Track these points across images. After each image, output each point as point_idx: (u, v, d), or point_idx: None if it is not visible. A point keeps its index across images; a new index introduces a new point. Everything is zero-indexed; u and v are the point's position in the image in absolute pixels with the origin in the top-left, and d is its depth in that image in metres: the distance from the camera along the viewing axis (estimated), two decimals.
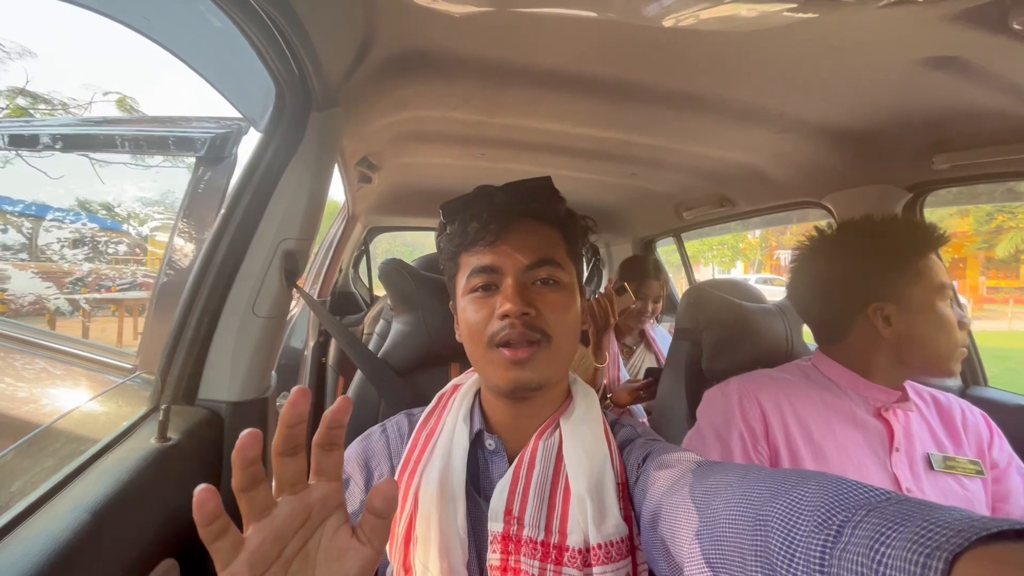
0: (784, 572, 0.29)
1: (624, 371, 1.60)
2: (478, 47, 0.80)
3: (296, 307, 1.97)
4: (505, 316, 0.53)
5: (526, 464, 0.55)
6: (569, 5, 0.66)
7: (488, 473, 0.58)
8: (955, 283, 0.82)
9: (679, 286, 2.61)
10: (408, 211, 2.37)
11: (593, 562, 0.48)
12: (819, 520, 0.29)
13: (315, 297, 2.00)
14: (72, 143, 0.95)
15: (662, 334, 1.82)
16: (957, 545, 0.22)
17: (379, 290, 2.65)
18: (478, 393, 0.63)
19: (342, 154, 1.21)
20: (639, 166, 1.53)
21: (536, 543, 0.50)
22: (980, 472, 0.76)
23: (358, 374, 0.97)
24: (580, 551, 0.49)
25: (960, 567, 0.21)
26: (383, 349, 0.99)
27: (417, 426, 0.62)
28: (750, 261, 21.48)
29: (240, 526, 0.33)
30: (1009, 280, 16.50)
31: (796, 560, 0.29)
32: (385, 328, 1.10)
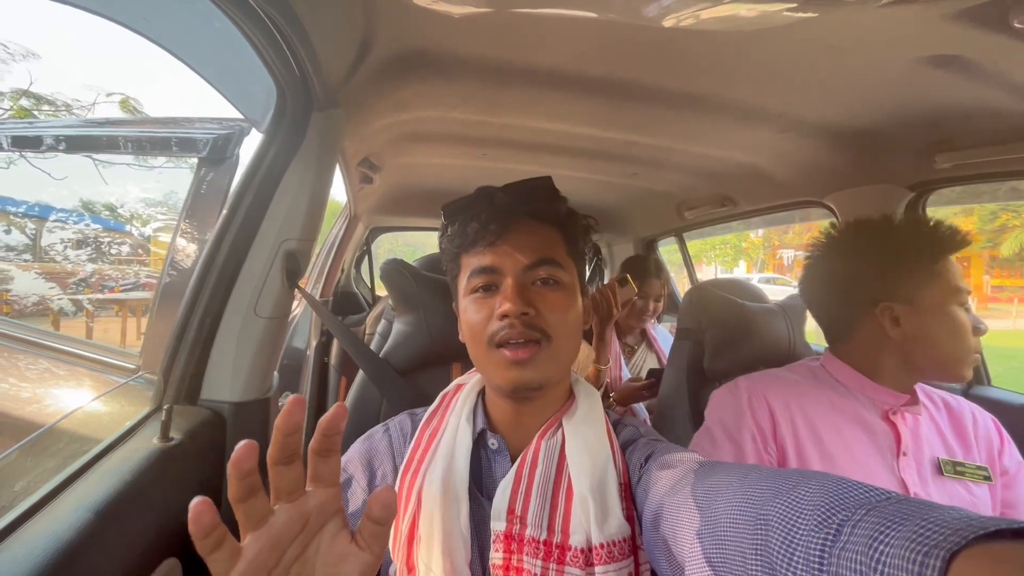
0: (784, 571, 0.29)
1: (626, 370, 1.60)
2: (478, 47, 0.80)
3: (298, 307, 1.97)
4: (504, 316, 0.53)
5: (529, 463, 0.55)
6: (569, 5, 0.66)
7: (491, 472, 0.58)
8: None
9: (681, 286, 2.61)
10: (409, 211, 2.37)
11: (595, 561, 0.48)
12: (819, 519, 0.30)
13: (317, 297, 2.01)
14: (75, 144, 0.95)
15: (663, 334, 1.82)
16: (955, 544, 0.22)
17: (381, 290, 2.65)
18: (481, 393, 0.63)
19: (343, 155, 1.21)
20: (640, 166, 1.53)
21: (539, 542, 0.50)
22: (988, 478, 0.75)
23: (360, 374, 0.97)
24: (582, 551, 0.49)
25: (957, 565, 0.21)
26: (385, 349, 0.99)
27: (420, 426, 0.62)
28: (753, 260, 21.44)
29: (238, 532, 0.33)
30: (1014, 279, 16.43)
31: (796, 559, 0.29)
32: (387, 328, 1.10)
